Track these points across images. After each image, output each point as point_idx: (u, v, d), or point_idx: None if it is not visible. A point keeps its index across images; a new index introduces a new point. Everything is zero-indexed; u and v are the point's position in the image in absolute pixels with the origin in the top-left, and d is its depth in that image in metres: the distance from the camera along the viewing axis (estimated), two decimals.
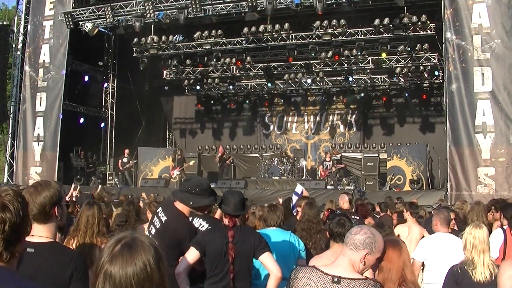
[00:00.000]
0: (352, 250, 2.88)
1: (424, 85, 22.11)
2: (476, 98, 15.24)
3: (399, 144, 20.27)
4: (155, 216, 4.32)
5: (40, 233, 2.80)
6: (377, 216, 9.65)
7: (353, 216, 7.35)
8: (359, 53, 19.56)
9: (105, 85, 24.22)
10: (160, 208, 4.37)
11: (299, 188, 8.13)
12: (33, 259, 2.72)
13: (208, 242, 4.08)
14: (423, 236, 6.89)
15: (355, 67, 21.06)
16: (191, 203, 4.18)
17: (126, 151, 21.21)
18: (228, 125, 25.69)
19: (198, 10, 18.51)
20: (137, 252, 1.79)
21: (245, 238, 4.10)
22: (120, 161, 21.12)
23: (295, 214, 6.93)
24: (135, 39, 20.80)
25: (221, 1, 18.93)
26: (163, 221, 4.19)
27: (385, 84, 22.32)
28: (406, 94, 22.56)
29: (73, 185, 9.70)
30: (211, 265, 4.10)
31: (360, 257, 2.87)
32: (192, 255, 4.02)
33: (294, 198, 7.69)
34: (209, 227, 4.65)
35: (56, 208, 2.84)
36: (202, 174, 21.73)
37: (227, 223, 4.26)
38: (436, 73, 20.14)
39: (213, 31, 20.21)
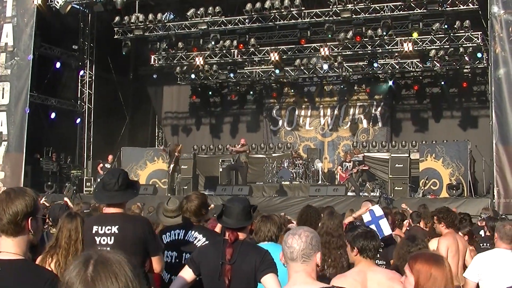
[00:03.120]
0: (306, 262, 3.03)
1: (465, 70, 22.06)
2: None
3: (434, 142, 20.27)
4: (95, 236, 4.41)
5: (8, 248, 2.79)
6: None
7: None
8: (385, 33, 19.51)
9: (81, 73, 24.19)
10: (94, 225, 4.48)
11: (378, 210, 7.54)
12: None
13: (202, 261, 4.09)
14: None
15: (380, 50, 21.03)
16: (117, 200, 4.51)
17: (110, 157, 20.87)
18: (229, 120, 25.70)
19: None
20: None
21: (245, 256, 4.03)
22: (101, 165, 20.87)
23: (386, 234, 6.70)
24: (117, 18, 20.81)
25: None
26: (116, 232, 4.38)
27: (417, 70, 22.24)
28: (443, 82, 22.49)
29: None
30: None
31: (317, 262, 3.05)
32: (186, 275, 4.07)
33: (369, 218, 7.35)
34: (205, 242, 4.70)
35: (30, 220, 2.83)
36: (198, 179, 21.75)
37: (227, 237, 4.20)
38: (480, 56, 20.06)
39: (210, 8, 20.19)
